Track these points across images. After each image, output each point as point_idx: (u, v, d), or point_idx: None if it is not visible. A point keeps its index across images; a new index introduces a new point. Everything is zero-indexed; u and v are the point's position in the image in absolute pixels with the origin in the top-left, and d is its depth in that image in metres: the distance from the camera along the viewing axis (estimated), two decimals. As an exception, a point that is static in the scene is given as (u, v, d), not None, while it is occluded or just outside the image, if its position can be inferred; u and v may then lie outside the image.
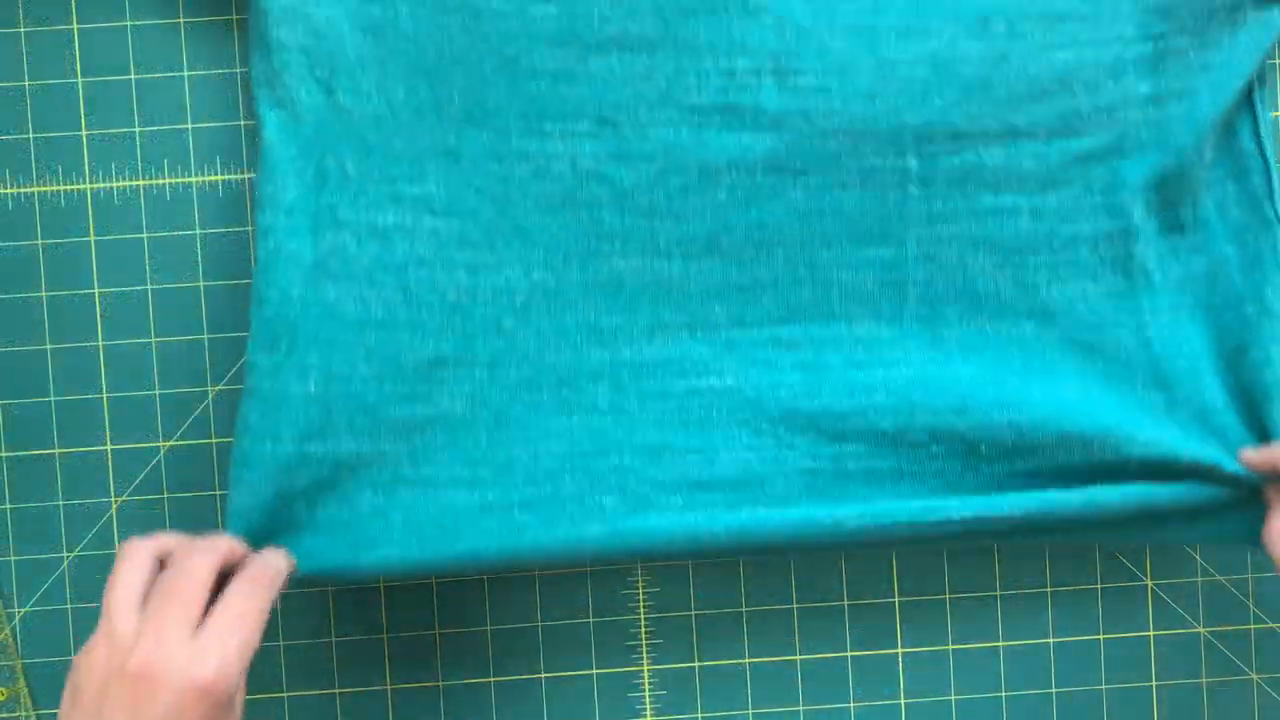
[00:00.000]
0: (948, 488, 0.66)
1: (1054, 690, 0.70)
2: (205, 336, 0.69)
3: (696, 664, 0.70)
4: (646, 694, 0.70)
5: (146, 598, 0.55)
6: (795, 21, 0.66)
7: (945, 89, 0.66)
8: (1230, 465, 0.64)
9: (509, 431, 0.66)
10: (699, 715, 0.70)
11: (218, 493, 0.69)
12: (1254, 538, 0.65)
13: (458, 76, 0.65)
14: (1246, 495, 0.65)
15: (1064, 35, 0.66)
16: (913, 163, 0.66)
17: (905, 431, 0.66)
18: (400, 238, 0.65)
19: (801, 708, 0.70)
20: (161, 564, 0.57)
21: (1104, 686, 0.70)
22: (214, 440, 0.69)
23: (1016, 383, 0.66)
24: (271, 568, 0.58)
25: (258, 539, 0.62)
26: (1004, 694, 0.70)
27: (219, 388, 0.69)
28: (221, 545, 0.58)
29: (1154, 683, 0.70)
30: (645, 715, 0.70)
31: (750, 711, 0.70)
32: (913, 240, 0.66)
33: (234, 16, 0.69)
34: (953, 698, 0.70)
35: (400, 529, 0.64)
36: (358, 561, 0.63)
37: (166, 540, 0.58)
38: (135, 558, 0.56)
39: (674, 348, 0.66)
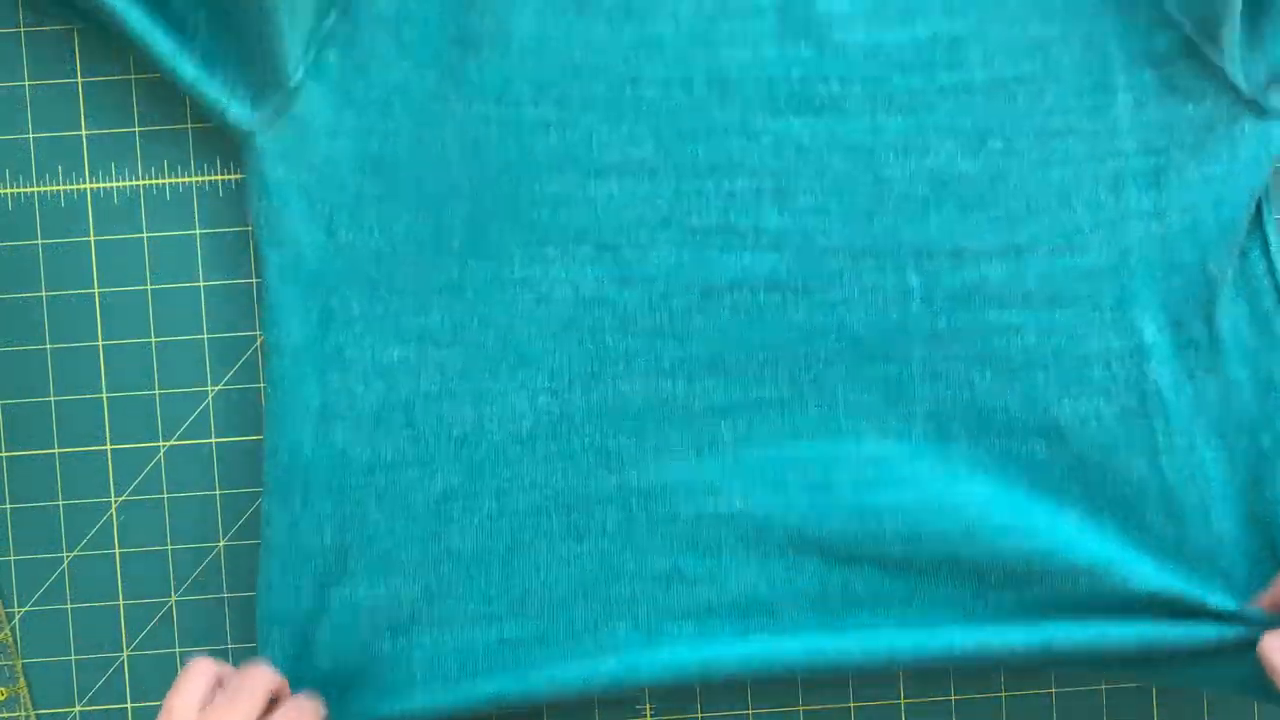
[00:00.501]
0: (955, 612, 0.66)
1: (1054, 690, 0.70)
2: (205, 336, 0.69)
3: (696, 664, 0.70)
4: (646, 694, 0.70)
5: (203, 710, 0.58)
6: (794, 141, 0.65)
7: (944, 206, 0.65)
8: (1232, 607, 0.63)
9: (520, 561, 0.66)
10: (699, 715, 0.70)
11: (218, 492, 0.69)
12: (1254, 684, 0.63)
13: (459, 207, 0.65)
14: (1248, 639, 0.63)
15: (1062, 151, 0.65)
16: (914, 280, 0.65)
17: (913, 558, 0.65)
18: (406, 373, 0.65)
19: (801, 708, 0.70)
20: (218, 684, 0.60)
21: (1104, 686, 0.70)
22: (214, 440, 0.69)
23: (1024, 506, 0.65)
24: (306, 712, 0.60)
25: (291, 687, 0.64)
26: (1004, 694, 0.70)
27: (219, 388, 0.69)
28: (275, 680, 0.60)
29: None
30: (645, 715, 0.70)
31: (750, 711, 0.70)
32: (918, 357, 0.66)
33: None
34: (953, 698, 0.70)
35: (422, 669, 0.65)
36: (384, 711, 0.64)
37: (226, 667, 0.60)
38: (199, 673, 0.58)
39: (682, 470, 0.66)
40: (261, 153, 0.64)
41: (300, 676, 0.64)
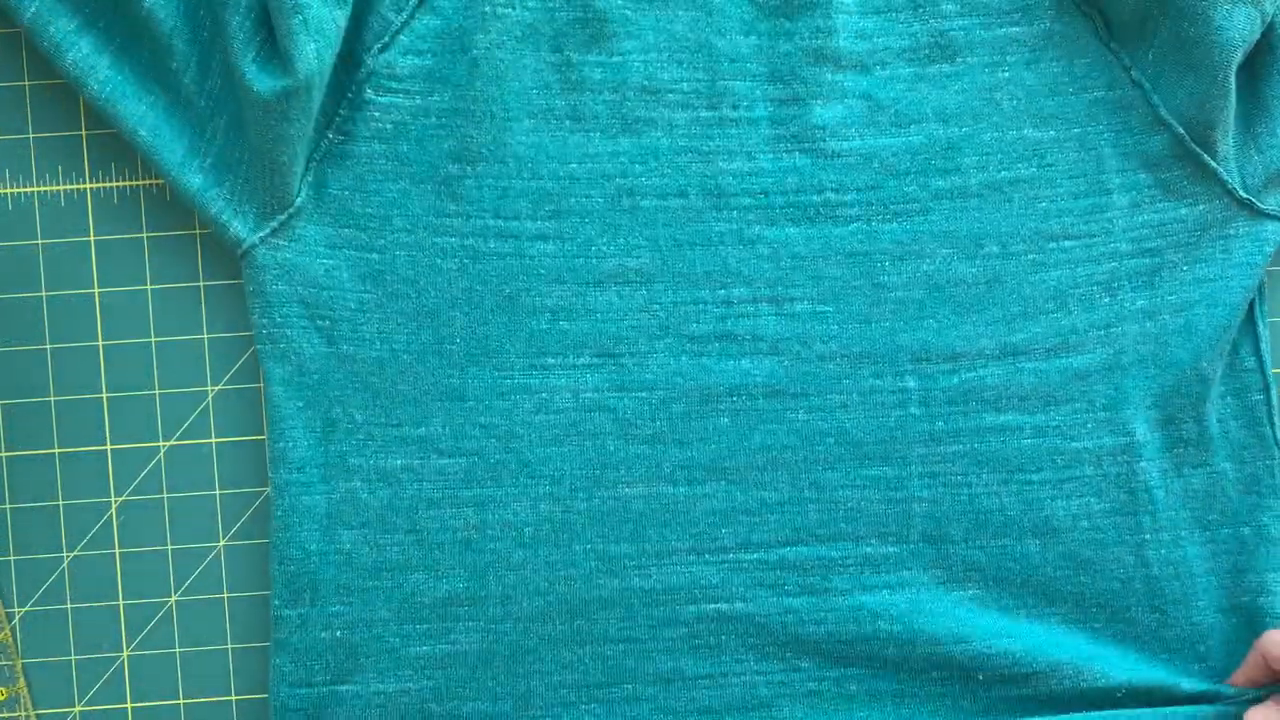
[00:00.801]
0: (946, 709, 0.67)
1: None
2: (205, 336, 0.69)
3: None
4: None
5: None
6: (790, 249, 0.67)
7: (940, 311, 0.67)
8: (1205, 689, 0.66)
9: (525, 664, 0.67)
10: (698, 716, 0.70)
11: (218, 492, 0.69)
12: None
13: (458, 317, 0.66)
14: (1223, 717, 0.66)
15: (1058, 254, 0.67)
16: (911, 383, 0.67)
17: (907, 659, 0.67)
18: (409, 480, 0.66)
19: None
20: None
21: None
22: (214, 440, 0.69)
23: (1015, 606, 0.67)
24: None
25: None
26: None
27: (219, 388, 0.69)
28: None
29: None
30: (645, 716, 0.70)
31: (750, 712, 0.70)
32: (916, 459, 0.67)
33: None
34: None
35: None
36: None
37: None
38: None
39: (683, 573, 0.67)
40: (262, 268, 0.65)
41: None
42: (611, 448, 0.67)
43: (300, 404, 0.66)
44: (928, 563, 0.67)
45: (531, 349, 0.66)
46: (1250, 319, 0.68)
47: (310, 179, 0.66)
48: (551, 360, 0.67)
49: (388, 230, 0.66)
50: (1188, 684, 0.66)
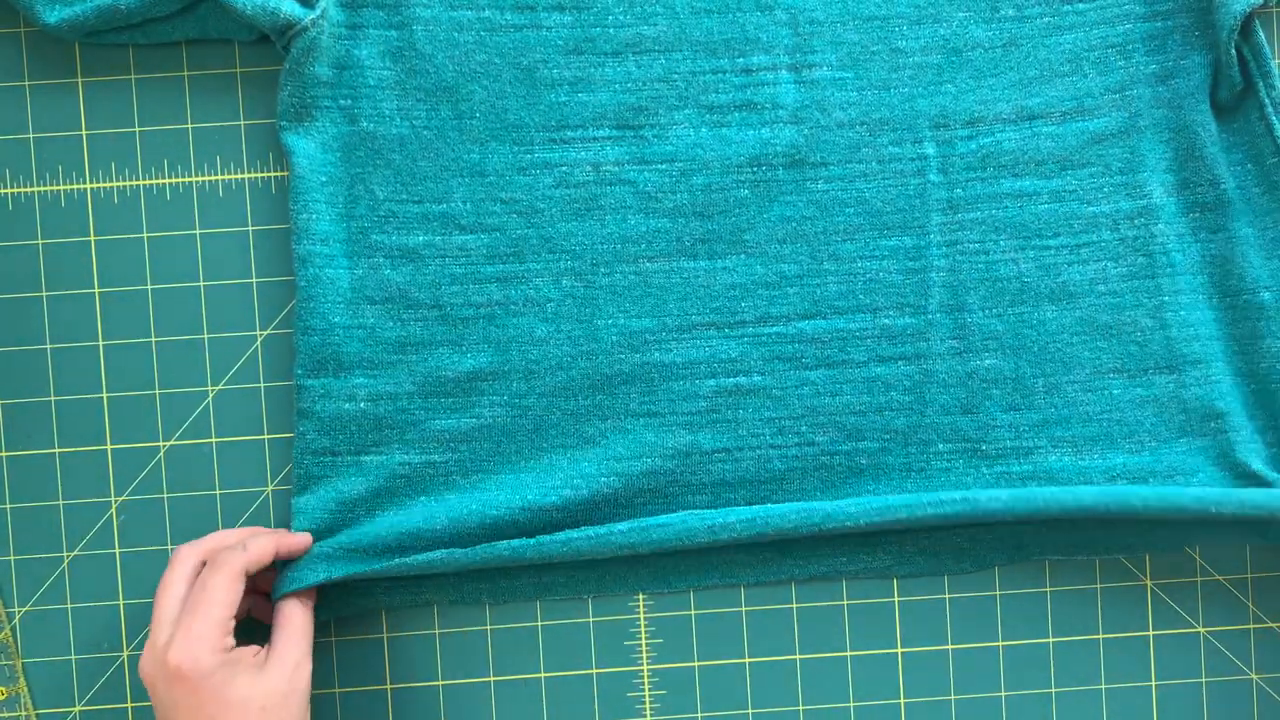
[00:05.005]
0: (950, 485, 0.68)
1: (1054, 690, 0.70)
2: (205, 336, 0.69)
3: (696, 664, 0.70)
4: (646, 694, 0.70)
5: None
6: (809, 15, 0.67)
7: (957, 75, 0.67)
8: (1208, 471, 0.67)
9: (548, 438, 0.68)
10: (699, 715, 0.70)
11: (218, 492, 0.69)
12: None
13: (477, 91, 0.67)
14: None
15: (1073, 16, 0.68)
16: (930, 150, 0.68)
17: (916, 430, 0.68)
18: (431, 256, 0.67)
19: (801, 708, 0.70)
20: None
21: (1104, 686, 0.70)
22: (214, 440, 0.69)
23: (1031, 373, 0.68)
24: (234, 558, 0.62)
25: (320, 535, 0.67)
26: (1004, 694, 0.70)
27: (219, 388, 0.69)
28: (239, 560, 0.62)
29: (1154, 683, 0.70)
30: (645, 715, 0.70)
31: (750, 711, 0.70)
32: (934, 228, 0.68)
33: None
34: (952, 698, 0.70)
35: (445, 525, 0.67)
36: (408, 560, 0.65)
37: (215, 541, 0.63)
38: (180, 567, 0.62)
39: (702, 347, 0.68)
40: (299, 50, 0.66)
41: (339, 526, 0.67)
42: (632, 221, 0.68)
43: (323, 179, 0.67)
44: (945, 333, 0.68)
45: (551, 122, 0.67)
46: (1256, 85, 0.67)
47: None
48: (571, 133, 0.67)
49: (404, 7, 0.67)
50: (1183, 463, 0.67)
